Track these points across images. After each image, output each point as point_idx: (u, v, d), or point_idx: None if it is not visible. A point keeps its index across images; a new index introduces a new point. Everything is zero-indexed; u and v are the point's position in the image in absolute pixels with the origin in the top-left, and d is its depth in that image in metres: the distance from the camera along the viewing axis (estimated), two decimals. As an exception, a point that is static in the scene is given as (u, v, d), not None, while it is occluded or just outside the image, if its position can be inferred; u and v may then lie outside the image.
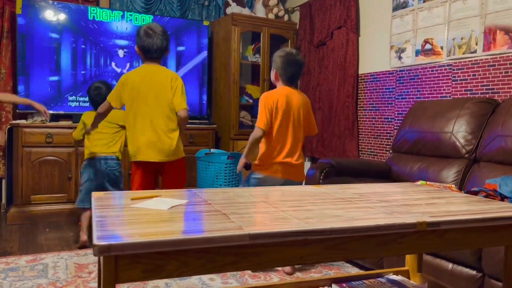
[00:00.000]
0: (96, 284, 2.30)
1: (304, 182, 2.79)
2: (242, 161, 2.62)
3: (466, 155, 2.66)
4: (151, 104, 2.44)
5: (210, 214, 1.20)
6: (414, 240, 1.17)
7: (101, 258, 0.92)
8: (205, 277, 2.44)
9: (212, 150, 3.51)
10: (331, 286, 1.60)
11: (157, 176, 2.61)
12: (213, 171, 3.25)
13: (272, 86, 2.77)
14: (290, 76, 2.59)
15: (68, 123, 3.80)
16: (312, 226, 1.06)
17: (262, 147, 2.61)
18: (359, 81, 3.89)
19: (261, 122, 2.50)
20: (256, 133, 2.51)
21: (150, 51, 2.47)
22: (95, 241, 0.90)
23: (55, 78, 3.91)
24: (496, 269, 1.79)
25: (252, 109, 4.58)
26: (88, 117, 2.98)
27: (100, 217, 1.11)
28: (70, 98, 3.97)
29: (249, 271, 2.54)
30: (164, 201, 1.33)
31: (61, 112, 3.90)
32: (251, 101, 4.53)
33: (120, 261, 0.92)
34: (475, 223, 1.20)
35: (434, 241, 1.20)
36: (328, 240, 1.08)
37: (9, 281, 2.33)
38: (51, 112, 3.85)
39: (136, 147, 2.45)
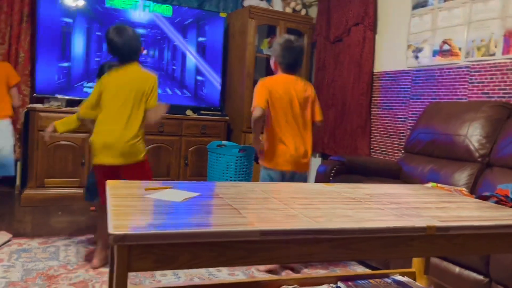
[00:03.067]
0: (105, 269, 2.35)
1: (309, 174, 2.74)
2: (256, 147, 2.57)
3: (479, 159, 2.64)
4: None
5: (221, 208, 1.22)
6: (422, 244, 1.17)
7: (115, 246, 0.95)
8: (212, 268, 2.47)
9: (224, 142, 3.53)
10: (336, 283, 1.62)
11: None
12: (224, 163, 3.27)
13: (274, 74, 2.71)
14: (289, 63, 2.51)
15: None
16: (322, 226, 1.07)
17: (264, 139, 2.57)
18: (374, 79, 3.87)
19: (259, 101, 2.40)
20: (255, 113, 2.40)
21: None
22: (111, 230, 0.92)
23: (71, 63, 3.96)
24: (503, 275, 1.79)
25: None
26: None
27: (115, 206, 1.13)
28: (86, 85, 4.02)
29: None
30: (177, 193, 1.36)
31: (76, 98, 3.95)
32: (264, 94, 4.52)
33: (133, 250, 0.94)
34: (485, 229, 1.21)
35: (442, 245, 1.20)
36: (337, 240, 1.10)
37: (21, 262, 2.40)
38: (66, 97, 3.91)
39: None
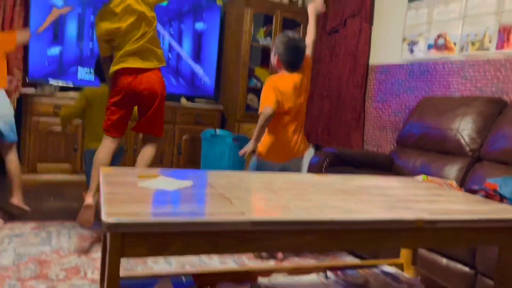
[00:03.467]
0: (97, 255, 2.37)
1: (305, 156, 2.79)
2: (252, 145, 2.59)
3: (470, 153, 2.68)
4: None
5: (214, 198, 1.24)
6: (411, 236, 1.20)
7: (108, 233, 0.96)
8: (204, 255, 2.50)
9: (218, 131, 3.54)
10: (326, 273, 1.65)
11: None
12: (218, 152, 3.29)
13: (274, 70, 2.74)
14: (293, 62, 2.55)
15: (77, 94, 3.83)
16: (313, 217, 1.09)
17: (266, 132, 2.59)
18: (369, 71, 3.88)
19: (270, 101, 2.45)
20: (266, 111, 2.43)
21: None
22: (104, 218, 0.93)
23: (64, 48, 3.92)
24: (489, 267, 1.82)
25: (260, 93, 4.58)
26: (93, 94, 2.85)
27: (109, 194, 1.14)
28: (80, 70, 3.99)
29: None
30: (170, 181, 1.37)
31: (70, 83, 3.92)
32: (259, 84, 4.53)
33: (126, 238, 0.96)
34: (472, 223, 1.23)
35: (430, 237, 1.23)
36: (327, 230, 1.12)
37: (14, 246, 2.40)
38: (60, 84, 3.88)
39: None
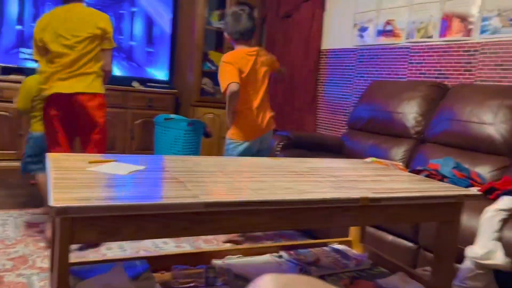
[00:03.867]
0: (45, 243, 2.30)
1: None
2: (229, 121, 2.55)
3: (415, 136, 2.82)
4: None
5: (167, 181, 1.24)
6: (357, 214, 1.26)
7: (57, 219, 0.94)
8: (159, 241, 2.49)
9: (172, 116, 3.49)
10: (279, 253, 1.70)
11: None
12: (171, 137, 3.25)
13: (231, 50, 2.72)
14: (240, 32, 2.51)
15: (20, 77, 3.63)
16: (264, 197, 1.12)
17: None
18: (321, 56, 3.95)
19: (232, 76, 2.39)
20: (231, 88, 2.37)
21: None
22: (52, 203, 0.91)
23: (5, 29, 3.69)
24: (429, 242, 1.95)
25: (215, 77, 4.55)
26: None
27: (57, 179, 1.11)
28: (22, 51, 3.78)
29: (202, 237, 2.61)
30: (121, 166, 1.35)
31: (14, 65, 3.71)
32: (214, 68, 4.49)
33: (76, 223, 0.94)
34: (413, 200, 1.31)
35: (375, 215, 1.30)
36: (278, 210, 1.15)
37: (-45, 237, 2.28)
38: (1, 65, 3.67)
39: None
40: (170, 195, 1.09)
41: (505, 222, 1.71)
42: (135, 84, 4.20)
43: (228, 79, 2.41)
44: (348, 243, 1.88)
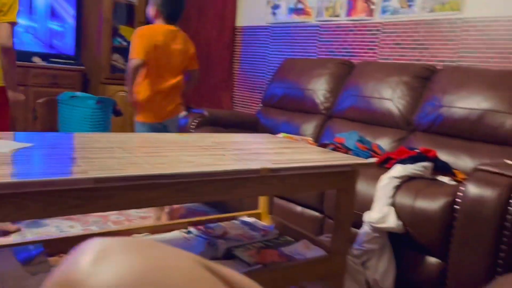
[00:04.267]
0: None
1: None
2: (129, 97, 2.44)
3: (324, 111, 2.94)
4: None
5: (56, 158, 1.16)
6: (258, 185, 1.28)
7: None
8: (64, 225, 2.36)
9: (77, 94, 3.28)
10: (187, 228, 1.69)
11: None
12: (78, 115, 3.06)
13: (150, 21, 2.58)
14: (171, 13, 2.44)
15: None
16: (161, 171, 1.09)
17: (138, 91, 2.46)
18: (236, 33, 3.94)
19: (138, 51, 2.31)
20: (132, 63, 2.30)
21: None
22: None
23: None
24: (333, 211, 2.06)
25: (126, 52, 4.34)
26: None
27: None
28: None
29: (112, 218, 2.52)
30: (5, 143, 1.23)
31: None
32: (125, 43, 4.27)
33: None
34: (311, 170, 1.37)
35: (276, 185, 1.33)
36: (177, 184, 1.13)
37: None
38: None
39: None
40: (55, 171, 1.02)
41: (398, 188, 1.85)
42: (36, 60, 3.87)
43: (133, 53, 2.32)
44: (257, 216, 1.92)
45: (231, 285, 0.31)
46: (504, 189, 1.55)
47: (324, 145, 2.58)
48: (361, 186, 1.90)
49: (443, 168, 2.09)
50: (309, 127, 2.95)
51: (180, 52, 2.48)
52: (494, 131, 2.11)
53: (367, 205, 1.87)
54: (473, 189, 1.62)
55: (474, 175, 1.69)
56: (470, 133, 2.20)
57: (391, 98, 2.56)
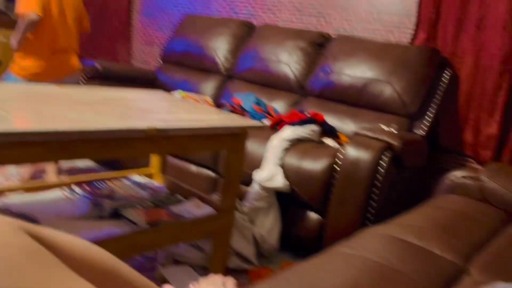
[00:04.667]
0: None
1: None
2: (13, 45, 2.21)
3: (224, 72, 2.93)
4: None
5: None
6: (145, 144, 1.25)
7: None
8: None
9: None
10: (70, 187, 1.60)
11: None
12: None
13: None
14: None
15: None
16: (30, 128, 1.01)
17: (24, 44, 2.21)
18: (136, -18, 3.68)
19: (35, 4, 2.10)
20: (30, 17, 2.09)
21: None
22: None
23: None
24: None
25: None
26: None
27: None
28: None
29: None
30: None
31: None
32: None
33: None
34: (200, 131, 1.37)
35: (165, 145, 1.31)
36: (52, 142, 1.06)
37: None
38: None
39: None
40: None
41: (287, 150, 1.95)
42: None
43: (30, 4, 2.10)
44: (149, 175, 1.88)
45: (53, 246, 0.31)
46: (376, 152, 1.72)
47: (221, 106, 2.60)
48: (253, 146, 1.96)
49: (330, 132, 2.25)
50: (209, 86, 2.93)
51: (73, 12, 2.34)
52: (375, 99, 2.30)
53: (257, 164, 1.94)
54: (351, 152, 1.77)
55: (353, 138, 1.84)
56: (355, 99, 2.37)
57: (287, 62, 2.63)
